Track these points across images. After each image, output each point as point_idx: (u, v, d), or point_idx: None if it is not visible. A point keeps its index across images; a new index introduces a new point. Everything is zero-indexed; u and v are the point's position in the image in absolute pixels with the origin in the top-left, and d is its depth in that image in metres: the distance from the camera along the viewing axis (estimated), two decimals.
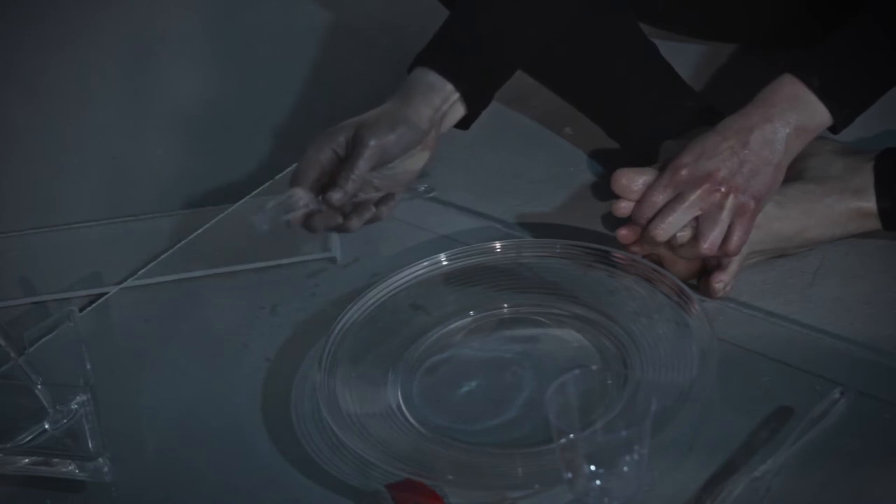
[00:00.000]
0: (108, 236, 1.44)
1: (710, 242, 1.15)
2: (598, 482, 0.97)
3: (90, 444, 1.10)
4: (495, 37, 1.27)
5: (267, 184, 1.47)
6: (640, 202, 1.18)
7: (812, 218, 1.22)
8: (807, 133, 1.16)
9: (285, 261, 1.34)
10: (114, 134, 1.69)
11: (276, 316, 1.28)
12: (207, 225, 1.42)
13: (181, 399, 1.19)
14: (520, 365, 1.16)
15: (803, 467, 1.02)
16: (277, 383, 1.18)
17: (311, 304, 1.28)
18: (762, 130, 1.15)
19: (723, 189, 1.14)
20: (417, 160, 1.24)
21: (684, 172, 1.15)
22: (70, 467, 1.09)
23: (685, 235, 1.16)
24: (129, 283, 1.35)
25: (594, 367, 1.11)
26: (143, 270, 1.36)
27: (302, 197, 1.18)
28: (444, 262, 1.24)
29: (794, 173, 1.23)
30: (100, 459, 1.08)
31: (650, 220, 1.17)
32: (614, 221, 1.22)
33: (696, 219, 1.16)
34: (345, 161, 1.19)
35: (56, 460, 1.09)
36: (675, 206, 1.15)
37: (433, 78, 1.23)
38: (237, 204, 1.45)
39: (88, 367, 1.16)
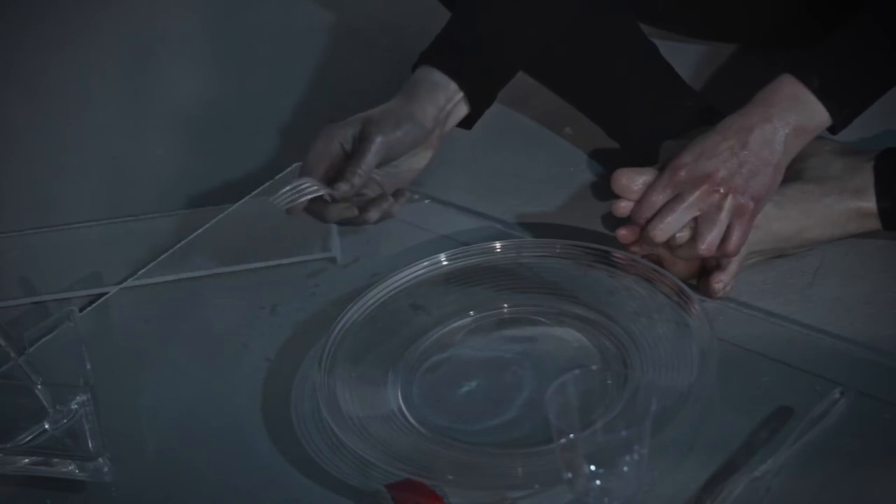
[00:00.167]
0: (108, 236, 1.44)
1: (708, 243, 1.15)
2: (598, 482, 0.97)
3: (90, 444, 1.10)
4: (499, 36, 1.27)
5: (267, 184, 1.47)
6: (639, 202, 1.18)
7: (811, 218, 1.22)
8: (806, 133, 1.16)
9: (285, 261, 1.34)
10: (114, 134, 1.69)
11: (276, 316, 1.28)
12: (207, 225, 1.42)
13: (181, 399, 1.19)
14: (520, 365, 1.16)
15: (803, 467, 1.02)
16: (277, 383, 1.18)
17: (311, 304, 1.28)
18: (761, 131, 1.15)
19: (722, 190, 1.14)
20: (421, 159, 1.24)
21: (683, 173, 1.15)
22: (70, 467, 1.09)
23: (684, 236, 1.16)
24: (129, 283, 1.35)
25: (594, 367, 1.11)
26: (143, 270, 1.36)
27: (313, 184, 1.18)
28: (444, 262, 1.24)
29: (794, 173, 1.23)
30: (100, 459, 1.08)
31: (649, 221, 1.17)
32: (614, 221, 1.22)
33: (696, 219, 1.16)
34: (351, 156, 1.19)
35: (56, 460, 1.09)
36: (673, 206, 1.15)
37: (438, 77, 1.23)
38: (237, 204, 1.45)
39: (88, 367, 1.16)
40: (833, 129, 1.17)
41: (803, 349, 1.14)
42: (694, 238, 1.16)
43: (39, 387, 1.14)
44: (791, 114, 1.15)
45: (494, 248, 1.25)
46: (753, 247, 1.20)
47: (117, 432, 1.13)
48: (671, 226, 1.16)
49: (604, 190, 1.34)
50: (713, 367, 1.07)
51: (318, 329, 1.22)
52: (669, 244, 1.17)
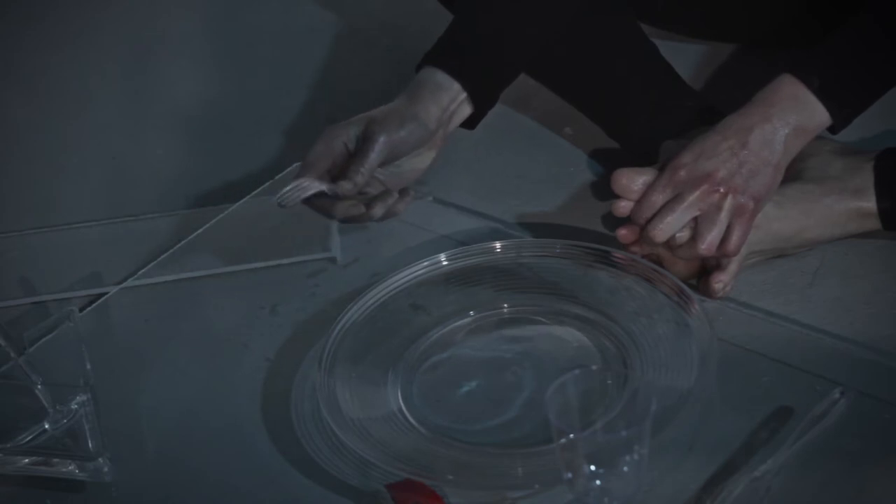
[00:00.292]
0: (108, 236, 1.44)
1: (708, 243, 1.15)
2: (598, 482, 0.97)
3: (90, 444, 1.10)
4: (502, 36, 1.27)
5: (267, 184, 1.47)
6: (639, 202, 1.18)
7: (811, 218, 1.22)
8: (806, 133, 1.16)
9: (285, 261, 1.34)
10: (114, 134, 1.69)
11: (276, 316, 1.28)
12: (207, 225, 1.42)
13: (181, 399, 1.19)
14: (520, 365, 1.16)
15: (803, 467, 1.02)
16: (277, 383, 1.18)
17: (311, 304, 1.28)
18: (761, 130, 1.15)
19: (722, 189, 1.14)
20: (424, 159, 1.25)
21: (683, 173, 1.15)
22: (70, 467, 1.09)
23: (684, 236, 1.16)
24: (129, 283, 1.35)
25: (594, 367, 1.11)
26: (143, 270, 1.36)
27: (314, 182, 1.18)
28: (444, 262, 1.24)
29: (794, 173, 1.23)
30: (100, 459, 1.08)
31: (649, 220, 1.17)
32: (614, 221, 1.22)
33: (695, 219, 1.16)
34: (355, 155, 1.19)
35: (56, 460, 1.09)
36: (673, 206, 1.15)
37: (441, 77, 1.23)
38: (237, 204, 1.45)
39: (88, 367, 1.16)
40: (833, 129, 1.17)
41: (803, 349, 1.14)
42: (694, 238, 1.16)
43: (39, 387, 1.14)
44: (791, 114, 1.15)
45: (494, 248, 1.25)
46: (753, 247, 1.20)
47: (117, 432, 1.13)
48: (671, 225, 1.16)
49: (604, 190, 1.34)
50: (713, 367, 1.07)
51: (318, 329, 1.22)
52: (669, 244, 1.17)
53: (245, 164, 1.54)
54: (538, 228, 1.35)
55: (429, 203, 1.40)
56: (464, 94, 1.24)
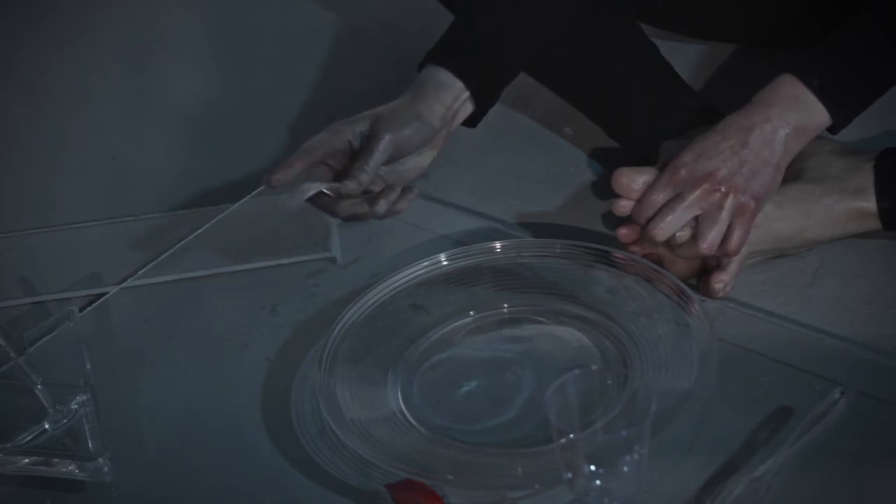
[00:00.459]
0: (108, 236, 1.44)
1: (708, 242, 1.15)
2: (598, 482, 0.97)
3: (90, 444, 1.10)
4: (505, 35, 1.27)
5: None
6: (639, 201, 1.18)
7: (811, 218, 1.22)
8: (806, 133, 1.16)
9: (285, 261, 1.34)
10: (114, 134, 1.69)
11: (276, 316, 1.28)
12: (207, 225, 1.42)
13: (181, 399, 1.19)
14: (520, 365, 1.16)
15: (803, 467, 1.02)
16: (277, 383, 1.18)
17: (311, 304, 1.28)
18: (762, 130, 1.15)
19: (722, 189, 1.14)
20: (426, 157, 1.25)
21: (684, 172, 1.15)
22: (70, 467, 1.09)
23: (684, 235, 1.16)
24: (129, 283, 1.35)
25: (594, 367, 1.11)
26: (143, 270, 1.36)
27: (316, 183, 1.18)
28: (444, 262, 1.24)
29: (794, 173, 1.23)
30: (100, 459, 1.08)
31: (650, 220, 1.17)
32: (614, 221, 1.22)
33: (696, 218, 1.16)
34: (360, 153, 1.20)
35: (56, 460, 1.09)
36: (674, 205, 1.15)
37: (445, 76, 1.24)
38: (237, 204, 1.45)
39: (88, 367, 1.16)
40: (833, 129, 1.17)
41: (803, 349, 1.14)
42: (695, 237, 1.16)
43: (39, 387, 1.14)
44: (791, 114, 1.15)
45: (494, 248, 1.25)
46: (753, 247, 1.20)
47: (117, 432, 1.13)
48: (672, 224, 1.16)
49: (604, 190, 1.34)
50: (713, 367, 1.07)
51: (318, 329, 1.22)
52: (670, 243, 1.17)
53: (245, 164, 1.54)
54: (538, 228, 1.35)
55: (428, 203, 1.40)
56: (467, 93, 1.25)
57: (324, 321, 1.21)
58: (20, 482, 1.11)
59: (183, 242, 1.40)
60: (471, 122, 1.29)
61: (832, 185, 1.22)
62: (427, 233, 1.36)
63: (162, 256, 1.38)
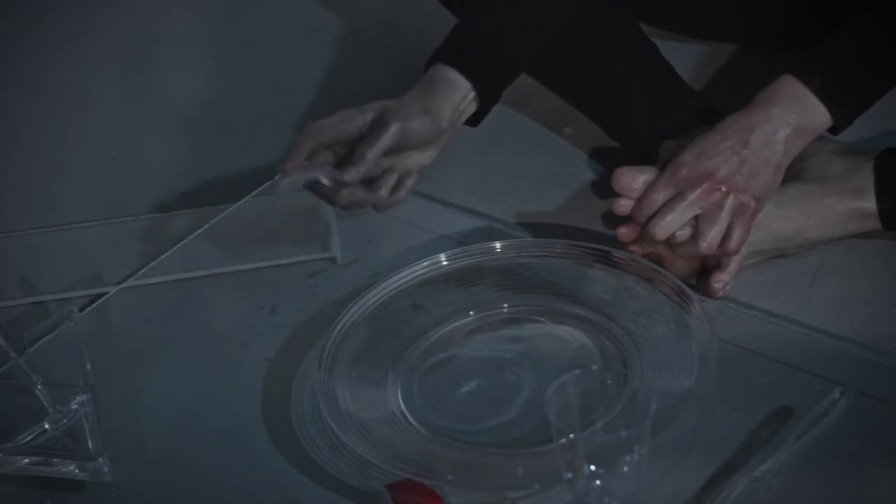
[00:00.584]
0: (108, 236, 1.44)
1: (709, 241, 1.15)
2: (598, 482, 0.97)
3: (90, 444, 1.10)
4: (511, 35, 1.28)
5: (267, 184, 1.47)
6: (640, 200, 1.18)
7: (811, 218, 1.22)
8: (807, 133, 1.16)
9: (285, 261, 1.34)
10: (114, 134, 1.69)
11: (276, 316, 1.28)
12: (207, 225, 1.42)
13: (181, 399, 1.19)
14: (520, 365, 1.16)
15: (803, 467, 1.02)
16: (277, 383, 1.18)
17: (311, 304, 1.28)
18: (762, 130, 1.15)
19: (723, 188, 1.14)
20: (428, 156, 1.26)
21: (684, 171, 1.15)
22: (70, 467, 1.09)
23: (684, 234, 1.16)
24: (129, 283, 1.35)
25: (594, 367, 1.11)
26: (143, 270, 1.36)
27: (316, 169, 1.19)
28: (444, 262, 1.24)
29: (794, 173, 1.23)
30: (100, 459, 1.08)
31: (650, 219, 1.17)
32: (614, 220, 1.22)
33: (696, 218, 1.16)
34: (365, 137, 1.20)
35: (56, 460, 1.09)
36: (674, 204, 1.15)
37: (453, 75, 1.24)
38: (237, 204, 1.45)
39: (88, 367, 1.16)
40: (834, 130, 1.17)
41: (803, 349, 1.14)
42: (695, 236, 1.16)
43: (39, 387, 1.14)
44: (792, 114, 1.15)
45: (494, 248, 1.25)
46: (753, 246, 1.20)
47: (117, 432, 1.13)
48: (672, 224, 1.16)
49: (604, 190, 1.34)
50: (713, 367, 1.07)
51: (318, 329, 1.21)
52: (670, 242, 1.17)
53: (245, 164, 1.54)
54: (538, 228, 1.35)
55: (428, 203, 1.40)
56: (473, 93, 1.25)
57: (324, 321, 1.21)
58: (20, 482, 1.11)
59: (183, 242, 1.40)
60: (473, 121, 1.29)
61: (832, 185, 1.22)
62: (427, 233, 1.36)
63: (162, 256, 1.38)
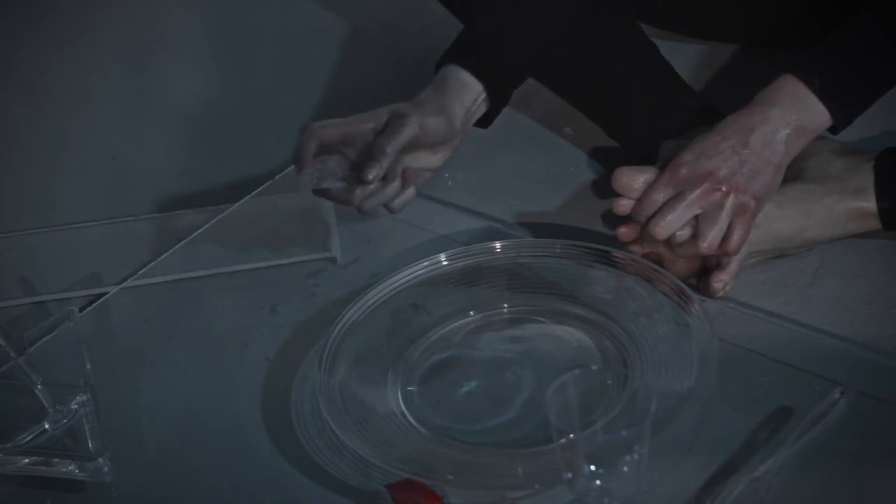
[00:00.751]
0: (108, 236, 1.44)
1: (709, 241, 1.15)
2: (598, 482, 0.97)
3: (90, 444, 1.10)
4: (521, 36, 1.28)
5: (267, 184, 1.47)
6: (640, 200, 1.18)
7: (811, 218, 1.22)
8: (807, 133, 1.16)
9: (285, 261, 1.34)
10: (114, 134, 1.69)
11: (276, 316, 1.28)
12: (207, 225, 1.42)
13: (181, 399, 1.19)
14: (520, 365, 1.16)
15: (803, 467, 1.02)
16: (277, 383, 1.18)
17: (311, 304, 1.28)
18: (762, 130, 1.15)
19: (723, 188, 1.14)
20: (439, 158, 1.27)
21: (684, 171, 1.16)
22: (70, 467, 1.09)
23: (684, 234, 1.16)
24: (129, 283, 1.35)
25: (594, 367, 1.11)
26: (143, 270, 1.36)
27: (340, 167, 1.19)
28: (444, 262, 1.24)
29: (794, 173, 1.23)
30: (100, 459, 1.08)
31: (650, 218, 1.17)
32: (614, 220, 1.22)
33: (696, 217, 1.16)
34: (382, 134, 1.20)
35: (56, 460, 1.09)
36: (674, 204, 1.15)
37: (465, 77, 1.25)
38: (237, 204, 1.45)
39: (88, 367, 1.16)
40: (834, 129, 1.17)
41: (803, 349, 1.14)
42: (695, 236, 1.16)
43: (39, 387, 1.14)
44: (792, 114, 1.15)
45: (494, 248, 1.25)
46: (753, 246, 1.20)
47: (117, 432, 1.13)
48: (672, 223, 1.16)
49: (604, 190, 1.34)
50: (713, 367, 1.07)
51: (318, 329, 1.21)
52: (670, 242, 1.17)
53: (245, 164, 1.54)
54: (538, 228, 1.35)
55: (428, 203, 1.40)
56: (484, 94, 1.25)
57: (324, 321, 1.21)
58: (20, 482, 1.11)
59: (183, 242, 1.40)
60: (483, 122, 1.29)
61: (832, 185, 1.22)
62: (427, 233, 1.36)
63: (162, 256, 1.38)
